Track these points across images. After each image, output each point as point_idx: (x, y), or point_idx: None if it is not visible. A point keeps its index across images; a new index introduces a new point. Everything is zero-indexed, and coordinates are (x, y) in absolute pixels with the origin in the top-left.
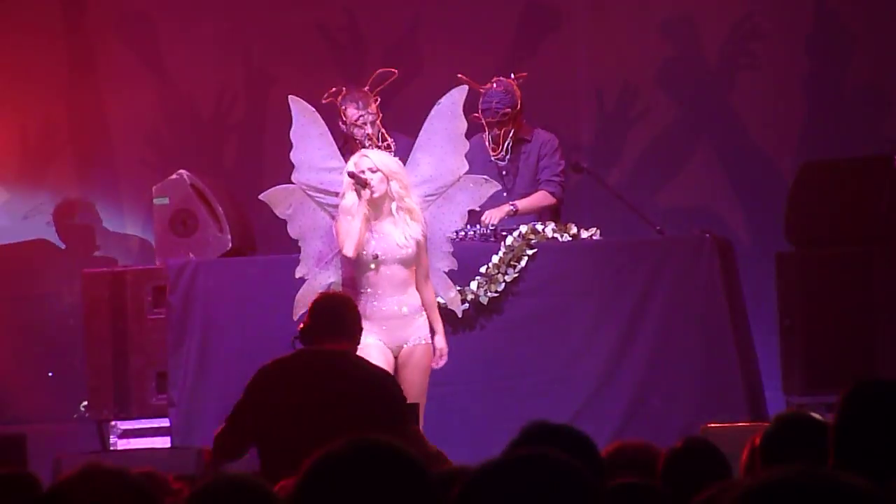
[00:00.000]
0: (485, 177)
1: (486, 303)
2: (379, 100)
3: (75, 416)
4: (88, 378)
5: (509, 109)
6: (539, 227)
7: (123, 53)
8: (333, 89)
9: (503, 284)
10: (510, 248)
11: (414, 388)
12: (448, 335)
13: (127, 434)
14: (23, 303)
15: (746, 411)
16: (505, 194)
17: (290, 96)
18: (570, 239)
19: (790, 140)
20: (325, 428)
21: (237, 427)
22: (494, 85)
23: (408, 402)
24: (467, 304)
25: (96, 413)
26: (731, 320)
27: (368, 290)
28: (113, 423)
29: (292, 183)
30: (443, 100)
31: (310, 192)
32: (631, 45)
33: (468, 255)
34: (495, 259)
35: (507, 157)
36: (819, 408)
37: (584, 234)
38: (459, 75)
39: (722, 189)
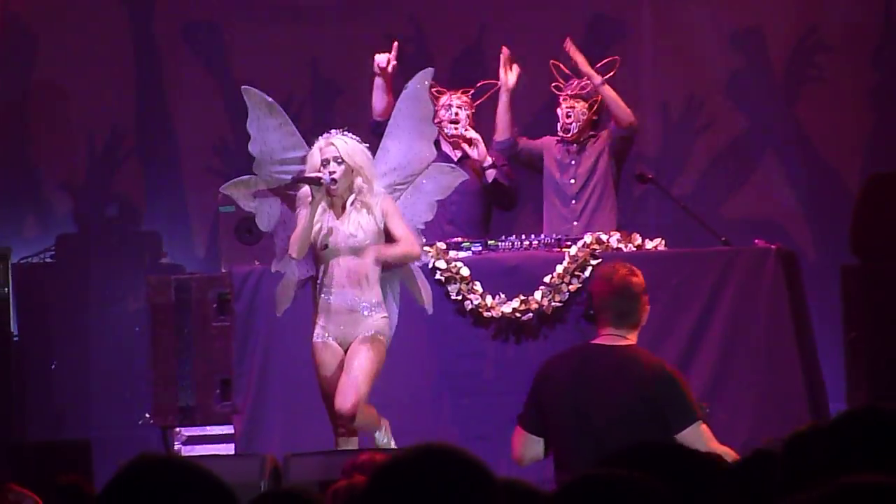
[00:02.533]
0: (451, 164)
1: (550, 312)
2: (470, 104)
3: (140, 422)
4: (153, 384)
5: (589, 88)
6: (603, 237)
7: (190, 61)
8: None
9: (567, 294)
10: (574, 259)
11: (350, 365)
12: (511, 344)
13: (191, 441)
14: (88, 310)
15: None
16: (572, 181)
17: (243, 87)
18: (635, 249)
19: (856, 152)
20: (606, 425)
21: (525, 424)
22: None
23: (694, 401)
24: (531, 314)
25: (161, 420)
26: (795, 332)
27: (324, 283)
28: (178, 429)
29: (253, 174)
30: (409, 83)
31: (273, 185)
32: (697, 56)
33: (532, 264)
34: (559, 269)
35: (572, 135)
36: None
37: (649, 245)
38: (552, 62)
39: (787, 201)
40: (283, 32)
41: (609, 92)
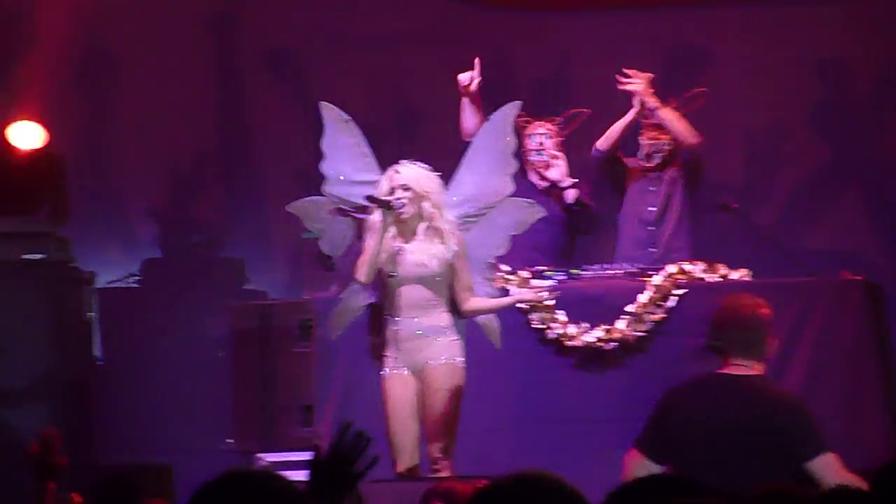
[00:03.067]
0: (530, 200)
1: (633, 342)
2: (557, 132)
3: (222, 447)
4: (235, 410)
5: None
6: (687, 266)
7: (273, 88)
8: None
9: (651, 324)
10: (658, 288)
11: (434, 409)
12: (594, 374)
13: (272, 467)
14: (172, 334)
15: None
16: (651, 208)
17: (321, 103)
18: (720, 279)
19: None
20: (734, 455)
21: (644, 449)
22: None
23: (822, 431)
24: (615, 344)
25: (242, 445)
26: (880, 364)
27: (391, 311)
28: (258, 455)
29: (322, 196)
30: (493, 115)
31: (341, 206)
32: (782, 86)
33: (614, 293)
34: (643, 298)
35: (654, 163)
36: None
37: (734, 275)
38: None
39: (872, 231)
40: (367, 60)
41: (668, 115)
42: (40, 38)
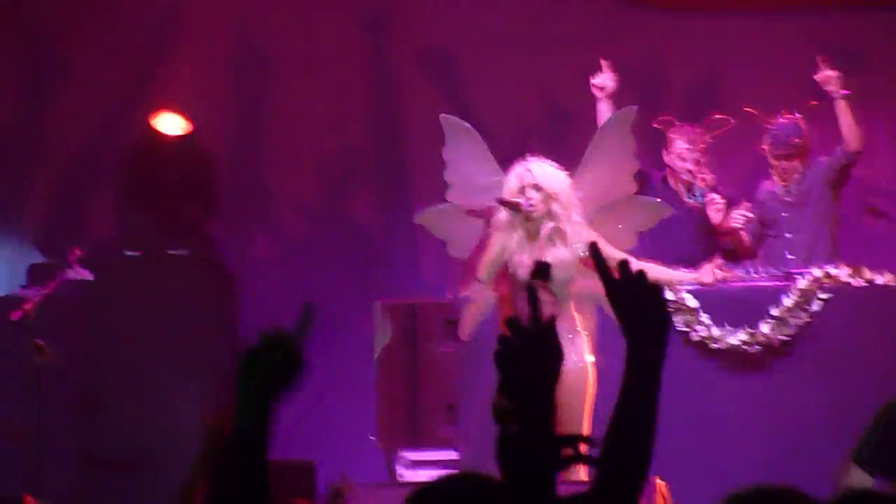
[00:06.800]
0: (657, 199)
1: (777, 346)
2: (709, 141)
3: (365, 443)
4: (379, 408)
5: (797, 140)
6: (832, 270)
7: (425, 88)
8: (666, 118)
9: (795, 328)
10: (803, 292)
11: (569, 412)
12: (736, 377)
13: (415, 465)
14: (316, 332)
15: None
16: (789, 236)
17: (441, 115)
18: (866, 284)
19: None
20: None
21: (864, 462)
22: (781, 119)
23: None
24: (758, 347)
25: (385, 442)
26: None
27: (517, 310)
28: (401, 453)
29: (447, 202)
30: (610, 117)
31: (468, 211)
32: None
33: (757, 295)
34: (787, 302)
35: (794, 190)
36: None
37: (879, 280)
38: (746, 109)
39: None
40: (520, 60)
41: (845, 110)
42: (191, 37)
